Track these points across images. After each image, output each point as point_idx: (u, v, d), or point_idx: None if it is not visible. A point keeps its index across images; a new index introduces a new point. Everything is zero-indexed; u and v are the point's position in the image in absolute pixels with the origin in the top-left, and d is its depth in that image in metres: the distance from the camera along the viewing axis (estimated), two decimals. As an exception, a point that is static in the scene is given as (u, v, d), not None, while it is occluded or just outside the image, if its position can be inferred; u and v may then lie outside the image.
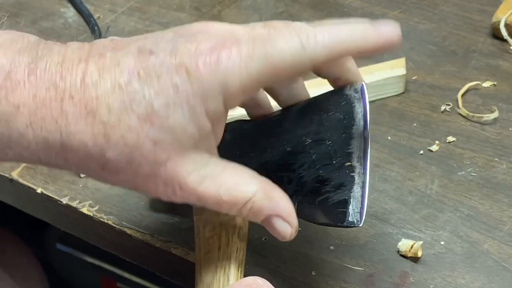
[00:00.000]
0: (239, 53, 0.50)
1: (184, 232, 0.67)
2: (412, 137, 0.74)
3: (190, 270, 0.66)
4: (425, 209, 0.68)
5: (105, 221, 0.68)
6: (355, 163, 0.56)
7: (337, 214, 0.55)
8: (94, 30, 0.87)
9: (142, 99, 0.49)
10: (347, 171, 0.56)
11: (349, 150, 0.56)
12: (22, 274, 0.96)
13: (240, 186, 0.53)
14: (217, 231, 0.58)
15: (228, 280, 0.56)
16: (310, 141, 0.58)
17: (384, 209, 0.68)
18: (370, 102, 0.78)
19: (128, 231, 0.68)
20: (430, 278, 0.63)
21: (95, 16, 0.89)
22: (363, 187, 0.55)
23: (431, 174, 0.71)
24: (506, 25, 0.83)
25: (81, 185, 0.71)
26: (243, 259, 0.58)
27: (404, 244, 0.64)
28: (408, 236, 0.66)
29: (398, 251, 0.65)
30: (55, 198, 0.70)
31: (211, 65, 0.50)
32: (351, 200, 0.55)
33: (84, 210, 0.69)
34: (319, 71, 0.59)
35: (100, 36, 0.86)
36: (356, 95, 0.57)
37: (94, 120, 0.50)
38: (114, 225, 0.68)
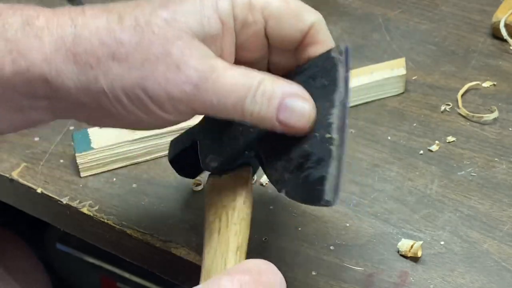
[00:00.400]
0: None
1: (184, 232, 0.67)
2: (412, 137, 0.74)
3: (190, 270, 0.66)
4: (425, 209, 0.68)
5: (105, 221, 0.68)
6: (334, 134, 0.53)
7: (315, 192, 0.53)
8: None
9: None
10: (327, 144, 0.53)
11: (330, 120, 0.54)
12: (25, 277, 0.96)
13: (249, 73, 0.54)
14: (219, 214, 0.58)
15: (225, 264, 0.55)
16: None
17: (384, 209, 0.68)
18: (370, 102, 0.78)
19: (128, 231, 0.68)
20: (430, 278, 0.63)
21: (95, 16, 0.89)
22: (340, 161, 0.53)
23: (431, 174, 0.71)
24: (506, 25, 0.83)
25: (81, 185, 0.71)
26: (243, 242, 0.57)
27: (404, 244, 0.65)
28: (408, 236, 0.66)
29: (398, 251, 0.65)
30: (55, 198, 0.70)
31: None
32: (328, 176, 0.53)
33: (84, 210, 0.69)
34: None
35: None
36: (340, 57, 0.55)
37: (110, 12, 0.54)
38: (114, 225, 0.68)
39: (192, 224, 0.68)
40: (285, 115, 0.54)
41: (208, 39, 0.54)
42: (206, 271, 0.56)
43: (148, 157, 0.73)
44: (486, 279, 0.63)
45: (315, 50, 0.57)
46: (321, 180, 0.53)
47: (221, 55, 0.55)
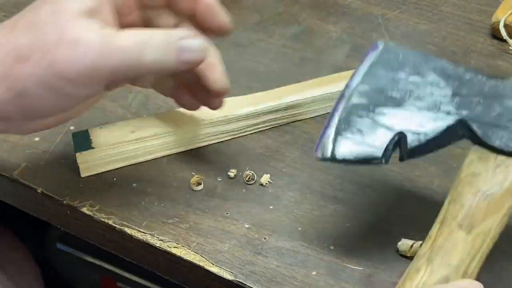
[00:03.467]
0: None
1: (184, 232, 0.67)
2: (411, 137, 0.74)
3: (190, 270, 0.66)
4: (424, 209, 0.68)
5: (106, 221, 0.68)
6: None
7: None
8: (94, 30, 0.87)
9: None
10: None
11: None
12: (15, 269, 0.96)
13: (140, 31, 0.61)
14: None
15: (466, 268, 0.55)
16: None
17: (383, 209, 0.68)
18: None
19: (128, 231, 0.68)
20: (430, 278, 0.63)
21: (95, 16, 0.89)
22: None
23: (431, 174, 0.71)
24: (506, 25, 0.83)
25: (81, 185, 0.71)
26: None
27: (404, 244, 0.65)
28: (408, 236, 0.66)
29: (398, 251, 0.65)
30: (55, 198, 0.70)
31: None
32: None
33: (85, 210, 0.69)
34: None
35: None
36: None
37: (4, 27, 0.61)
38: (114, 225, 0.68)
39: (192, 224, 0.68)
40: (185, 55, 0.60)
41: (92, 13, 0.59)
42: (442, 252, 0.55)
43: (148, 157, 0.73)
44: (485, 279, 0.63)
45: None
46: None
47: (106, 24, 0.61)
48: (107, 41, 0.58)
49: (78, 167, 0.72)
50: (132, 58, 0.59)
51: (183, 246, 0.66)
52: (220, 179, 0.71)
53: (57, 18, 0.58)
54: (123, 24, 0.63)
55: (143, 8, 0.65)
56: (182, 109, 0.74)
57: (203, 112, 0.74)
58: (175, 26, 0.67)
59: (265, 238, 0.66)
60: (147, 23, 0.66)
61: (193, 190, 0.70)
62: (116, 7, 0.62)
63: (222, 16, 0.65)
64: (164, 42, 0.60)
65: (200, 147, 0.74)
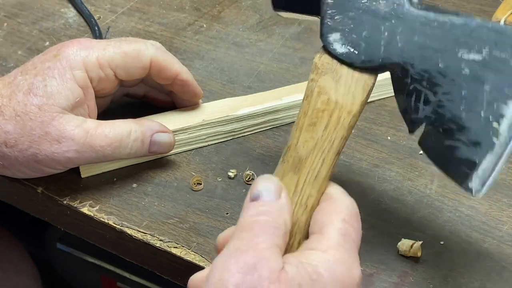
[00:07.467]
0: (101, 42, 0.69)
1: (184, 232, 0.67)
2: (411, 137, 0.74)
3: (190, 270, 0.66)
4: (424, 209, 0.68)
5: (106, 221, 0.69)
6: (504, 130, 0.49)
7: (459, 170, 0.51)
8: (95, 31, 0.87)
9: (24, 82, 0.66)
10: (491, 133, 0.49)
11: (503, 112, 0.49)
12: (13, 268, 0.97)
13: (118, 125, 0.68)
14: (331, 108, 0.55)
15: (321, 165, 0.54)
16: (467, 72, 0.51)
17: (383, 209, 0.68)
18: (370, 102, 0.78)
19: (128, 231, 0.68)
20: (430, 277, 0.63)
21: (96, 17, 0.89)
22: (498, 159, 0.50)
23: (431, 174, 0.71)
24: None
25: (81, 185, 0.71)
26: (341, 150, 0.55)
27: (404, 244, 0.65)
28: (408, 236, 0.66)
29: (398, 251, 0.65)
30: (56, 198, 0.71)
31: (75, 48, 0.68)
32: (479, 166, 0.50)
33: (85, 210, 0.69)
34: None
35: (100, 37, 0.86)
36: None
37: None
38: (115, 225, 0.68)
39: (192, 224, 0.68)
40: (155, 148, 0.70)
41: (76, 106, 0.66)
42: (298, 157, 0.55)
43: (148, 157, 0.73)
44: (485, 278, 0.63)
45: (165, 73, 0.70)
46: (471, 164, 0.50)
47: (88, 112, 0.68)
48: (88, 140, 0.66)
49: (78, 167, 0.72)
50: (107, 154, 0.67)
51: (183, 246, 0.66)
52: (220, 179, 0.71)
53: (44, 115, 0.65)
54: (101, 93, 0.70)
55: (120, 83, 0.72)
56: (181, 109, 0.74)
57: (203, 112, 0.74)
58: (145, 93, 0.76)
59: (265, 238, 0.66)
60: (120, 91, 0.74)
61: (193, 190, 0.70)
62: (97, 91, 0.69)
63: (196, 89, 0.73)
64: (139, 140, 0.68)
65: (200, 147, 0.74)
